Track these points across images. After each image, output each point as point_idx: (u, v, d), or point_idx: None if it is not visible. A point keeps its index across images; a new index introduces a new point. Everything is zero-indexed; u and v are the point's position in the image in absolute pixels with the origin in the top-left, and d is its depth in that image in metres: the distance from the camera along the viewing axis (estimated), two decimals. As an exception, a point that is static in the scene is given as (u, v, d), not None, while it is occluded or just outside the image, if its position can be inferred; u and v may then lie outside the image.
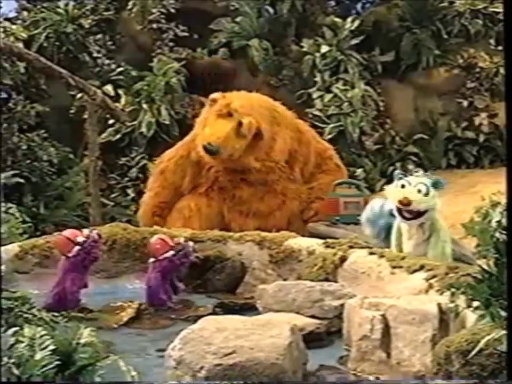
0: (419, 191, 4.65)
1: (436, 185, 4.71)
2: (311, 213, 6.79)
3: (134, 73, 10.07)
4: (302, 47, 10.28)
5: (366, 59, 10.28)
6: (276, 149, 6.66)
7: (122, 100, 9.72)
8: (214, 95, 6.59)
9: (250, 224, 6.16)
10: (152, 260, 4.67)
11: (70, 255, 4.57)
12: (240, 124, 6.45)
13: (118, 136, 9.67)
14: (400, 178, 4.78)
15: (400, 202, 4.66)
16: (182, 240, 4.77)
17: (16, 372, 2.49)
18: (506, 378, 2.80)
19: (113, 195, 9.50)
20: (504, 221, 3.01)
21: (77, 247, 4.57)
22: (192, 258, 4.79)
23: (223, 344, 3.34)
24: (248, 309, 4.40)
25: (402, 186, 4.70)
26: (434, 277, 3.92)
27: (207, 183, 6.70)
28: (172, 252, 4.66)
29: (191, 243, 4.79)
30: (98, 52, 10.23)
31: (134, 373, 2.72)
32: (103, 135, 9.41)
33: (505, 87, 3.04)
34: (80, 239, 4.59)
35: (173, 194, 6.82)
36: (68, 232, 4.72)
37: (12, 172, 8.60)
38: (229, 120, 6.45)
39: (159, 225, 6.43)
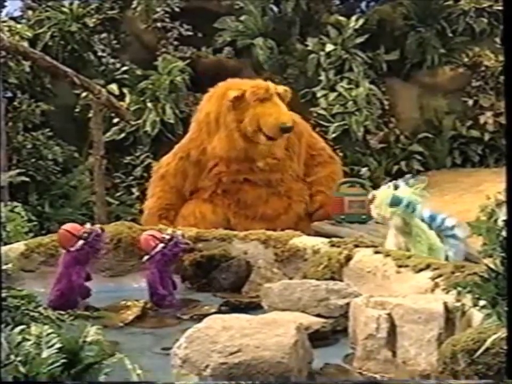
0: None
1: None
2: (316, 205, 6.80)
3: (138, 72, 10.08)
4: (306, 45, 10.28)
5: (371, 58, 10.27)
6: (275, 142, 6.69)
7: (127, 99, 9.73)
8: (233, 94, 6.60)
9: (256, 228, 6.18)
10: (146, 257, 4.67)
11: (73, 249, 4.56)
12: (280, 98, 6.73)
13: (123, 135, 9.69)
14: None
15: None
16: (170, 231, 4.77)
17: (22, 369, 2.49)
18: (506, 377, 2.79)
19: (118, 194, 9.52)
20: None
21: (81, 241, 4.56)
22: (183, 247, 4.77)
23: (228, 342, 3.33)
24: (254, 307, 4.40)
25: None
26: (440, 276, 3.91)
27: (210, 187, 6.71)
28: (161, 245, 4.64)
29: (179, 232, 4.78)
30: (103, 50, 10.24)
31: (139, 372, 2.72)
32: (108, 134, 9.43)
33: (505, 86, 3.04)
34: (84, 233, 4.58)
35: (176, 197, 6.83)
36: (68, 227, 4.68)
37: (17, 171, 8.62)
38: (274, 101, 6.65)
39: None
